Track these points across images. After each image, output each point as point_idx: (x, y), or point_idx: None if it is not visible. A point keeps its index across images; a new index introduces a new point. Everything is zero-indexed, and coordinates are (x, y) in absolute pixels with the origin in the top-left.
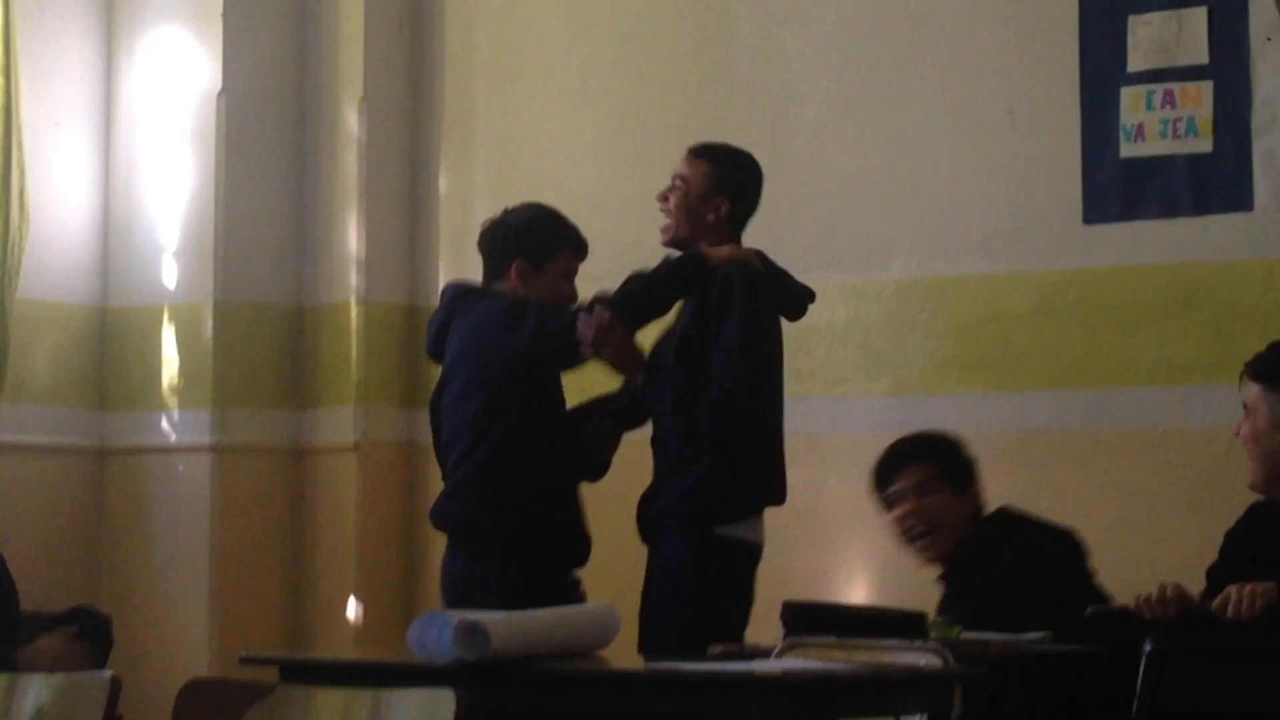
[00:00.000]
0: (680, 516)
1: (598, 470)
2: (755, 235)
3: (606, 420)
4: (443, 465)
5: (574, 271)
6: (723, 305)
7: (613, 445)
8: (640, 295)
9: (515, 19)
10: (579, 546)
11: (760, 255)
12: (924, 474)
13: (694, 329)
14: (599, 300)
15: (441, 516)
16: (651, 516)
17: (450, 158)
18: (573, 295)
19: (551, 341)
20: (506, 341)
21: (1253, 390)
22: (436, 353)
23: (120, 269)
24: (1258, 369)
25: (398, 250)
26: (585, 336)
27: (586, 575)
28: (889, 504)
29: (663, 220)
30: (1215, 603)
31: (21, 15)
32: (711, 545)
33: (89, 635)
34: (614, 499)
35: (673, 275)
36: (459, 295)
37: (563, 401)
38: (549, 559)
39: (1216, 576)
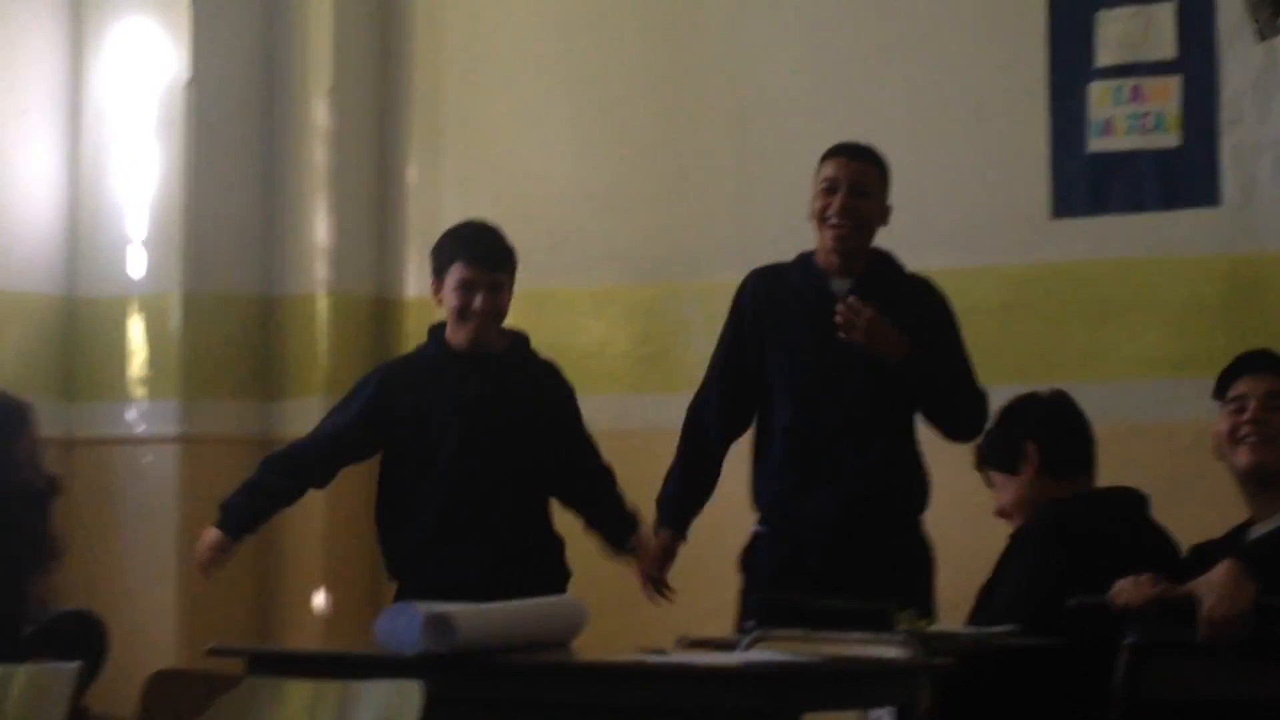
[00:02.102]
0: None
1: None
2: (724, 229)
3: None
4: None
5: (470, 282)
6: (939, 318)
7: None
8: None
9: (485, 9)
10: None
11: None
12: None
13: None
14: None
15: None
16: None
17: (419, 148)
18: (469, 308)
19: None
20: None
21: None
22: None
23: (87, 259)
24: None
25: (366, 241)
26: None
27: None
28: None
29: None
30: (1203, 616)
31: None
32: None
33: (82, 646)
34: None
35: None
36: None
37: None
38: None
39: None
